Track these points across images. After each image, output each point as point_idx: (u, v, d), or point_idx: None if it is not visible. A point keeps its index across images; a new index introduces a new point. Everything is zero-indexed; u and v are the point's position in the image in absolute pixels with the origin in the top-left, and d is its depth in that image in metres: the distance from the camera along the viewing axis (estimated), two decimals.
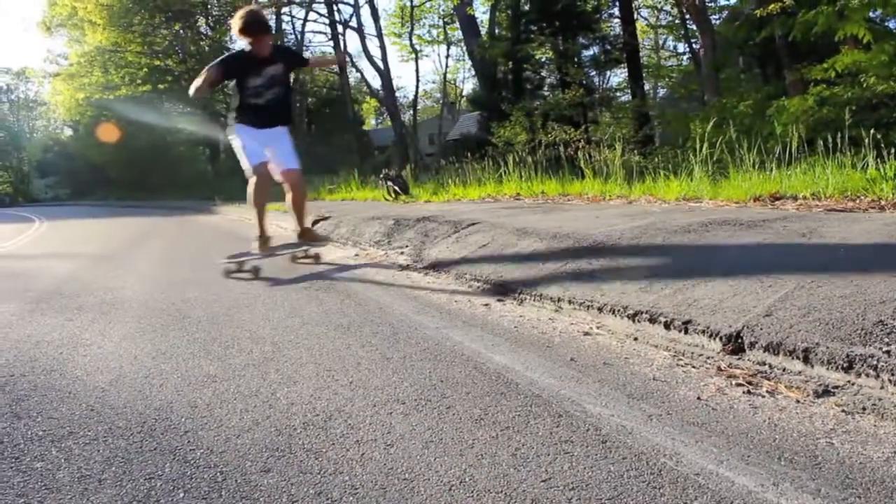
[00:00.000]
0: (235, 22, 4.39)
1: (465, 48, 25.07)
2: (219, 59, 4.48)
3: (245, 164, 4.41)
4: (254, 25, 4.40)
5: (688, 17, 16.31)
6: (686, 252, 2.90)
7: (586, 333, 2.45)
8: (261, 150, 4.42)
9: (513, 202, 7.66)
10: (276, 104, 4.50)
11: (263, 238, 4.51)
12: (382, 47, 23.42)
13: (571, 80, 15.81)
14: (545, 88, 18.69)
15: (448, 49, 30.44)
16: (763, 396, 1.70)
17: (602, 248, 3.25)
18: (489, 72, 19.59)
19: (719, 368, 1.91)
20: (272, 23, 4.06)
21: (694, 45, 19.13)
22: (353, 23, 24.86)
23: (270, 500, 1.28)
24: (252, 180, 4.38)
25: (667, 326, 2.24)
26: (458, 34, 25.08)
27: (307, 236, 4.80)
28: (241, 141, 4.42)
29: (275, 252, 4.55)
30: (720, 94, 11.73)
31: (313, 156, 26.58)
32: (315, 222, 7.48)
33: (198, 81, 4.30)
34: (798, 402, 1.65)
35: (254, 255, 4.37)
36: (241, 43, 4.51)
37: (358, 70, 33.52)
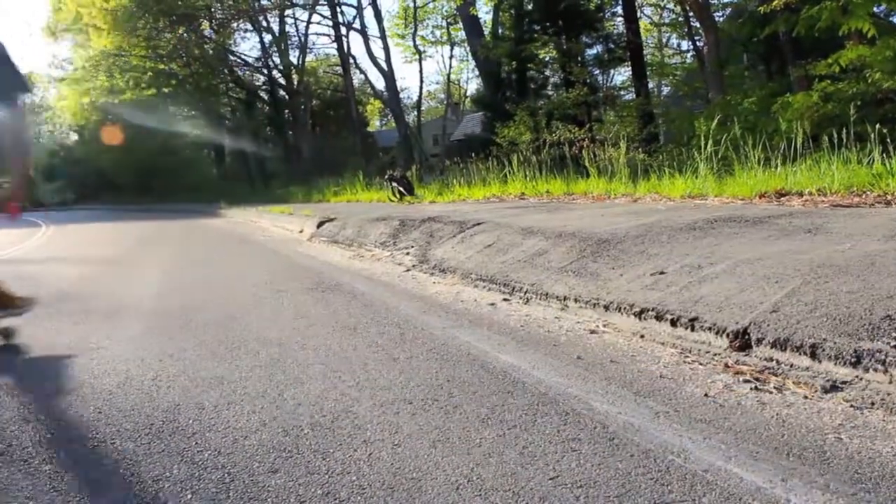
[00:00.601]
0: None
1: (468, 48, 25.08)
2: None
3: None
4: None
5: (691, 14, 16.24)
6: (692, 249, 2.89)
7: (592, 331, 2.44)
8: None
9: (518, 202, 7.65)
10: None
11: None
12: (386, 49, 23.45)
13: (575, 79, 15.76)
14: (549, 88, 18.66)
15: (451, 50, 30.38)
16: (771, 392, 1.69)
17: (607, 246, 3.24)
18: (493, 72, 19.57)
19: (726, 365, 1.90)
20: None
21: (698, 43, 19.02)
22: (357, 24, 24.94)
23: (278, 501, 1.29)
24: None
25: (673, 324, 2.23)
26: (462, 35, 25.03)
27: None
28: None
29: None
30: (724, 92, 11.68)
31: (318, 158, 26.69)
32: (320, 224, 7.49)
33: None
34: (806, 397, 1.64)
35: None
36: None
37: (362, 71, 33.50)
